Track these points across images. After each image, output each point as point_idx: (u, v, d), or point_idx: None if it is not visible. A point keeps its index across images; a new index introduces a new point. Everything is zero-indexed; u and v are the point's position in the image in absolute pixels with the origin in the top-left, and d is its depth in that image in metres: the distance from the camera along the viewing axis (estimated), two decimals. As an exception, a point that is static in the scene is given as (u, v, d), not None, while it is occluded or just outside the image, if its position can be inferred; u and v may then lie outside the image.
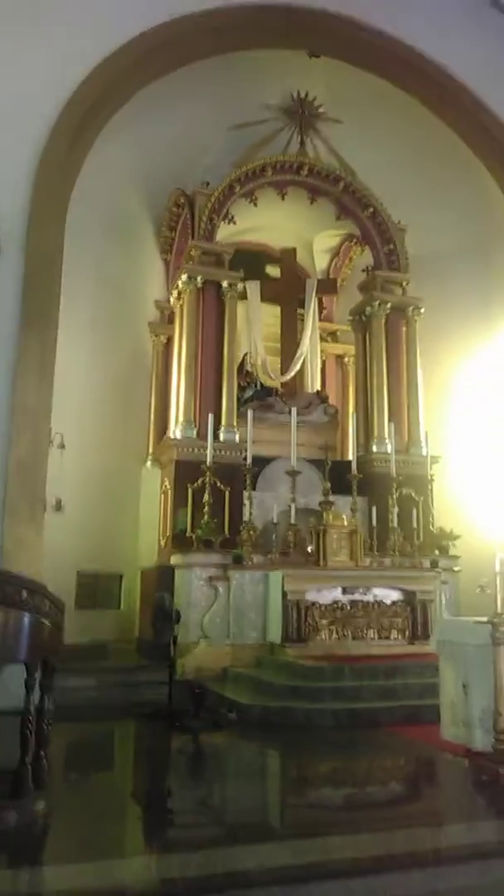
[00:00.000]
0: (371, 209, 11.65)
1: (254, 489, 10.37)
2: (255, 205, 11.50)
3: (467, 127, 11.54)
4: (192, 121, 11.79)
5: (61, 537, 10.20)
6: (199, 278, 10.69)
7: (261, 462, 10.68)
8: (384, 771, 5.59)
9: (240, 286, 10.96)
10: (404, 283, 11.71)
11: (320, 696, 7.22)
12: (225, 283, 10.84)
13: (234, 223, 11.40)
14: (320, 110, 11.84)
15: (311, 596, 9.02)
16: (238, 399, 11.56)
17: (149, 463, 11.91)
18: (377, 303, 11.41)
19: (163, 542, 10.57)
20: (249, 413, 10.22)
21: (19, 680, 4.10)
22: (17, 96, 9.13)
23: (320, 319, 13.46)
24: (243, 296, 12.04)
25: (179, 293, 10.97)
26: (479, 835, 3.97)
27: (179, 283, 10.87)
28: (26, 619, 4.01)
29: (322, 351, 13.25)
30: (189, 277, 10.67)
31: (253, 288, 12.28)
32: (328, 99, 12.14)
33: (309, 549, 9.63)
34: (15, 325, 8.89)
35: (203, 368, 10.58)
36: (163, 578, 9.66)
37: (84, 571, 10.97)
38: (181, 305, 10.90)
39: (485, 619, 5.26)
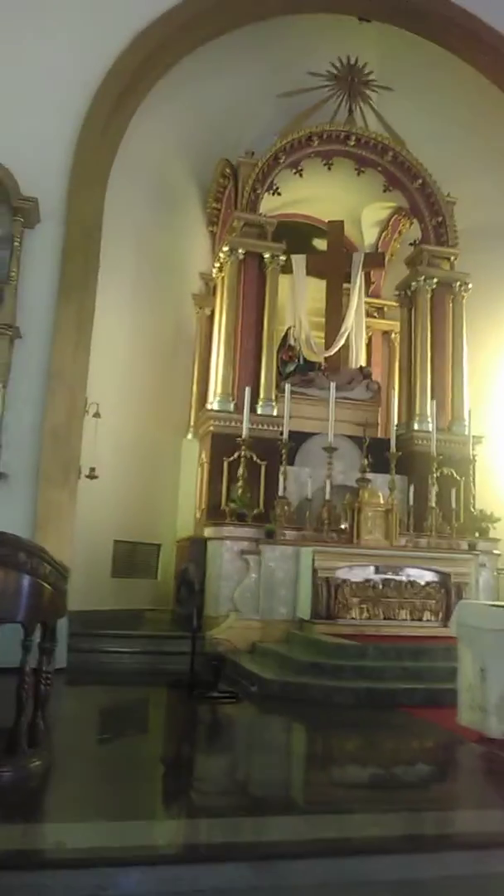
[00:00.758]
0: (420, 180, 11.32)
1: (291, 464, 10.32)
2: (301, 175, 11.30)
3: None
4: (240, 89, 11.62)
5: (97, 506, 10.31)
6: (240, 250, 10.57)
7: (300, 437, 10.58)
8: (391, 752, 5.48)
9: (282, 258, 10.78)
10: (452, 258, 11.37)
11: (341, 674, 7.14)
12: (267, 256, 10.70)
13: (279, 194, 11.24)
14: (370, 77, 11.48)
15: (342, 573, 8.94)
16: (280, 373, 11.49)
17: (190, 435, 11.91)
18: (422, 278, 11.12)
19: (198, 515, 10.58)
20: (287, 387, 10.12)
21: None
22: (57, 65, 9.17)
23: (367, 294, 13.19)
24: (288, 269, 11.89)
25: (221, 265, 10.87)
26: (475, 824, 3.85)
27: (221, 254, 10.78)
28: (25, 580, 4.02)
29: (368, 327, 13.00)
30: (231, 249, 10.56)
31: (299, 261, 12.10)
32: (379, 66, 11.82)
33: (343, 526, 9.51)
34: (53, 294, 8.98)
35: (242, 341, 10.49)
36: (195, 550, 9.67)
37: (121, 540, 11.04)
38: (222, 277, 10.79)
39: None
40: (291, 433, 10.27)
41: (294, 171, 11.22)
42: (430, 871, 3.33)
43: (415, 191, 11.39)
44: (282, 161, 10.98)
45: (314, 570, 8.76)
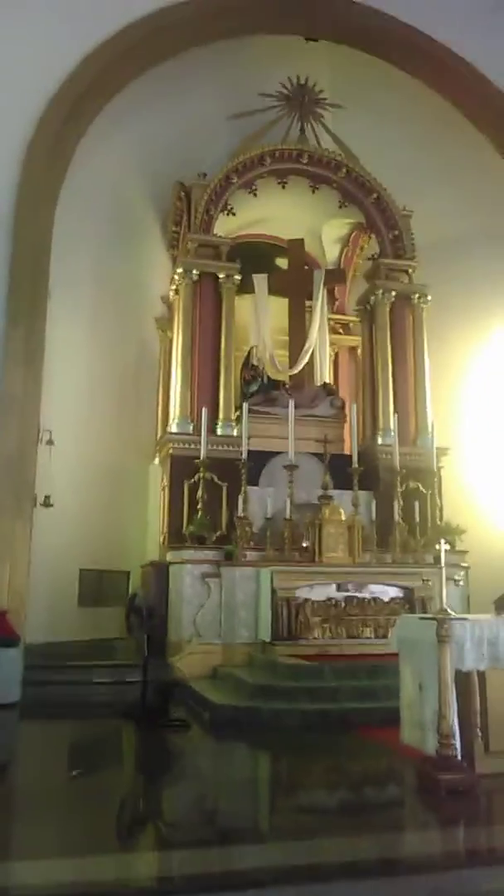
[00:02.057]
0: (375, 195, 11.32)
1: (255, 484, 10.20)
2: (255, 195, 11.29)
3: (473, 106, 11.17)
4: (195, 112, 11.69)
5: (60, 535, 10.21)
6: (194, 271, 10.54)
7: (265, 457, 10.48)
8: (326, 776, 5.33)
9: (237, 278, 10.73)
10: (410, 271, 11.33)
11: (292, 696, 6.98)
12: (222, 276, 10.67)
13: (234, 214, 11.22)
14: (321, 96, 11.53)
15: (303, 593, 8.78)
16: (244, 394, 11.42)
17: (157, 460, 11.80)
18: (381, 291, 11.07)
19: (161, 539, 10.44)
20: (245, 406, 10.02)
21: None
22: (3, 85, 9.12)
23: (332, 311, 13.18)
24: (250, 289, 11.89)
25: (176, 287, 10.83)
26: (389, 849, 3.69)
27: (175, 276, 10.74)
28: None
29: (334, 343, 12.97)
30: (185, 270, 10.53)
31: (260, 280, 12.08)
32: (331, 85, 11.87)
33: (304, 544, 9.36)
34: (1, 320, 8.90)
35: (200, 362, 10.43)
36: (150, 575, 9.54)
37: (87, 569, 10.89)
38: (178, 299, 10.75)
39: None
40: (255, 453, 10.17)
41: (248, 191, 11.21)
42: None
43: (370, 205, 11.38)
44: (234, 182, 10.98)
45: (273, 591, 8.60)
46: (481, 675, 5.11)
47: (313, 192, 11.48)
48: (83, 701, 8.00)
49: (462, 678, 5.07)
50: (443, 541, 5.16)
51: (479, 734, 5.02)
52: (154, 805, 4.74)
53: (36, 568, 10.00)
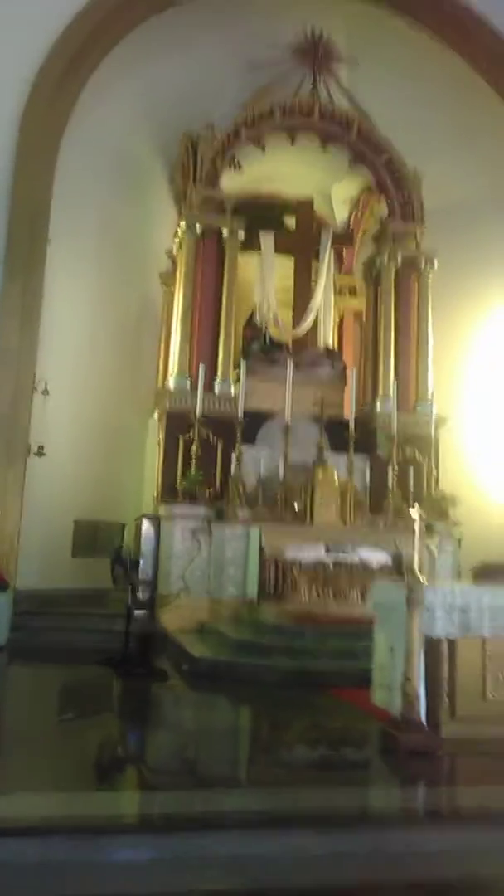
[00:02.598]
0: (386, 156, 11.10)
1: (253, 444, 10.22)
2: (264, 150, 11.08)
3: (489, 66, 10.88)
4: (205, 63, 11.42)
5: (54, 485, 10.30)
6: (197, 226, 10.41)
7: (262, 417, 10.47)
8: (291, 731, 5.43)
9: (242, 234, 10.60)
10: (418, 235, 11.15)
11: (273, 654, 7.09)
12: (226, 232, 10.53)
13: (240, 167, 11.02)
14: (335, 50, 11.22)
15: (291, 553, 8.85)
16: (245, 352, 11.36)
17: (156, 414, 11.80)
18: (387, 255, 10.92)
19: (155, 494, 10.50)
20: (243, 364, 10.01)
21: None
22: (2, 34, 8.96)
23: (339, 273, 13.00)
24: (256, 246, 11.74)
25: (179, 242, 10.72)
26: (336, 804, 3.77)
27: (178, 230, 10.62)
28: None
29: (339, 306, 12.83)
30: (188, 225, 10.41)
31: (267, 239, 11.90)
32: (347, 40, 11.56)
33: (295, 505, 9.40)
34: (-2, 272, 8.86)
35: (200, 319, 10.36)
36: (147, 529, 9.61)
37: (82, 520, 10.97)
38: (181, 254, 10.65)
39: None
40: (254, 413, 10.19)
41: (256, 145, 11.00)
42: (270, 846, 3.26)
43: (380, 166, 11.17)
44: (243, 135, 10.78)
45: (261, 550, 8.68)
46: (452, 642, 5.15)
47: (323, 149, 11.24)
48: (70, 647, 8.13)
49: (433, 644, 5.13)
50: (417, 508, 5.14)
51: (446, 699, 5.08)
52: (118, 748, 4.84)
53: (30, 517, 10.12)
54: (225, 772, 4.43)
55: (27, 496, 10.18)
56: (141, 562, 10.01)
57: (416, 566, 5.00)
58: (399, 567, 9.07)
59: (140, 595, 7.69)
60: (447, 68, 11.35)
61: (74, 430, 10.86)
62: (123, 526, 11.55)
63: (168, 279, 12.14)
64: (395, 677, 5.19)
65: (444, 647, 5.13)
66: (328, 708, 6.00)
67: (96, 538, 11.26)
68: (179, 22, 10.78)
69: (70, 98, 9.57)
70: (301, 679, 6.66)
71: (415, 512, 5.13)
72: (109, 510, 11.18)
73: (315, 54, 11.22)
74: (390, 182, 11.19)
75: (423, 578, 4.92)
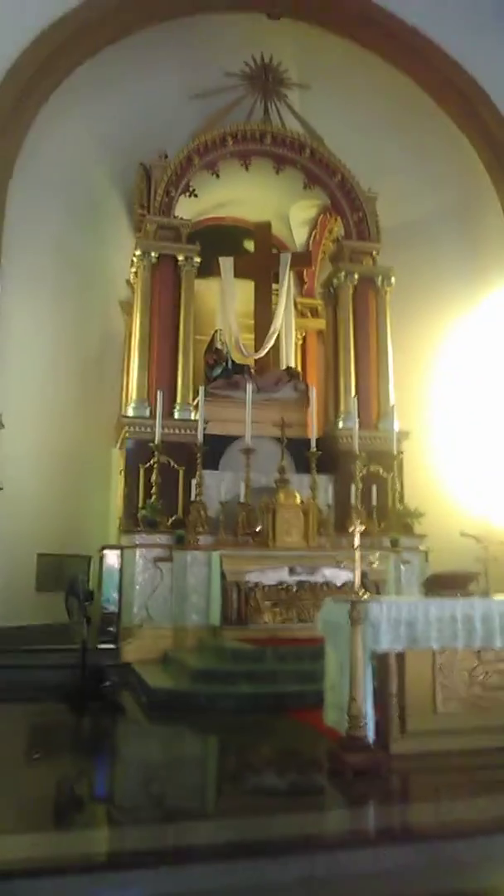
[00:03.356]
0: (339, 176, 11.19)
1: (216, 469, 10.15)
2: (218, 176, 11.15)
3: (438, 86, 11.04)
4: (158, 92, 11.50)
5: (16, 519, 10.13)
6: (153, 253, 10.41)
7: (225, 441, 10.40)
8: (239, 758, 5.29)
9: (196, 260, 10.60)
10: (374, 253, 11.20)
11: (233, 680, 6.93)
12: (181, 258, 10.53)
13: (196, 195, 11.08)
14: (286, 75, 11.36)
15: (254, 577, 8.73)
16: (207, 377, 11.33)
17: (119, 444, 11.71)
18: (343, 273, 10.95)
19: (118, 524, 10.36)
20: (201, 390, 9.96)
21: None
22: None
23: (301, 294, 13.08)
24: (216, 272, 11.78)
25: (136, 269, 10.70)
26: (270, 831, 3.63)
27: (134, 258, 10.61)
28: None
29: (301, 327, 12.86)
30: (143, 252, 10.40)
31: (226, 263, 11.94)
32: (297, 64, 11.71)
33: (257, 528, 9.28)
34: None
35: (158, 345, 10.32)
36: (108, 560, 9.47)
37: (46, 553, 10.81)
38: (138, 282, 10.63)
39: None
40: (216, 437, 10.13)
41: (210, 172, 11.07)
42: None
43: (335, 187, 11.25)
44: (196, 163, 10.85)
45: (222, 575, 8.55)
46: (400, 656, 5.05)
47: (277, 173, 11.33)
48: (28, 684, 7.90)
49: (382, 659, 5.03)
50: (358, 524, 5.05)
51: (396, 715, 4.96)
52: (60, 784, 4.67)
53: (-9, 552, 9.97)
54: (163, 805, 4.26)
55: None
56: (101, 593, 9.91)
57: (356, 582, 4.88)
58: (365, 584, 8.94)
59: (90, 628, 7.48)
60: (398, 89, 11.49)
61: (37, 462, 10.72)
62: (90, 558, 11.41)
63: (129, 308, 12.09)
64: (345, 697, 5.06)
65: (393, 662, 5.02)
66: (284, 732, 5.85)
67: (61, 572, 11.09)
68: (133, 52, 10.87)
69: (20, 131, 9.63)
70: (260, 704, 6.52)
71: (355, 528, 5.02)
72: (77, 543, 11.02)
73: (265, 79, 11.33)
74: (345, 202, 11.26)
75: (364, 594, 4.81)
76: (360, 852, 3.34)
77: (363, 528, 5.15)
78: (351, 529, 4.95)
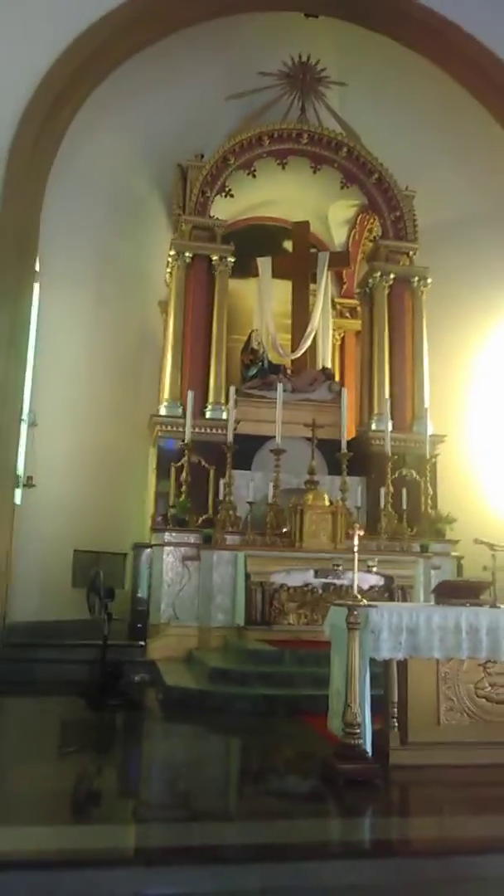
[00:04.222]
0: (376, 175, 11.08)
1: (248, 469, 10.18)
2: (254, 176, 11.17)
3: (479, 83, 10.77)
4: (197, 94, 11.55)
5: (53, 517, 10.33)
6: (187, 253, 10.48)
7: (258, 441, 10.42)
8: (239, 761, 5.29)
9: (230, 260, 10.64)
10: (411, 253, 11.06)
11: (249, 681, 6.94)
12: (216, 258, 10.58)
13: (232, 196, 11.11)
14: (323, 74, 11.28)
15: (279, 578, 8.73)
16: (243, 377, 11.37)
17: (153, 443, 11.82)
18: (379, 274, 10.83)
19: (150, 522, 10.47)
20: (232, 390, 9.98)
21: None
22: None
23: (340, 295, 13.01)
24: (254, 272, 11.80)
25: (171, 270, 10.79)
26: (242, 836, 3.63)
27: (168, 258, 10.69)
28: None
29: (341, 328, 12.78)
30: (177, 253, 10.48)
31: (264, 263, 11.95)
32: (337, 62, 11.62)
33: (284, 530, 9.26)
34: (-18, 306, 8.97)
35: (191, 345, 10.39)
36: (138, 558, 9.59)
37: (82, 550, 10.98)
38: (172, 282, 10.72)
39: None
40: (250, 437, 10.17)
41: (247, 172, 11.09)
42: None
43: (371, 186, 11.15)
44: (231, 163, 10.88)
45: (247, 575, 8.57)
46: (402, 664, 4.98)
47: (314, 172, 11.27)
48: (54, 678, 8.06)
49: (387, 668, 4.97)
50: (357, 528, 5.00)
51: (396, 725, 4.90)
52: (59, 779, 4.74)
53: (27, 549, 10.16)
54: (151, 805, 4.30)
55: (25, 528, 10.25)
56: (134, 590, 10.04)
57: (355, 587, 4.83)
58: (391, 589, 8.88)
59: (110, 624, 7.55)
60: (439, 86, 11.28)
61: (75, 461, 10.90)
62: (125, 555, 11.57)
63: (167, 308, 12.21)
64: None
65: (393, 670, 4.96)
66: (290, 736, 5.84)
67: (98, 568, 11.26)
68: (171, 54, 10.89)
69: (57, 134, 9.71)
70: (274, 706, 6.52)
71: (354, 532, 4.97)
72: (111, 540, 11.19)
73: (303, 78, 11.27)
74: (382, 201, 11.15)
75: (363, 599, 4.76)
76: (327, 864, 3.30)
77: (362, 532, 5.09)
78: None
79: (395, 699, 4.93)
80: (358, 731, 4.55)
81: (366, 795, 4.29)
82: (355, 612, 4.68)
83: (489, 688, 5.06)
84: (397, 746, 4.85)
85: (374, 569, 5.42)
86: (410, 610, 4.98)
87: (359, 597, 4.75)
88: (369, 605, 4.84)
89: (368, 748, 4.68)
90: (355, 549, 4.92)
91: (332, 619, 5.52)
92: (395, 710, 4.92)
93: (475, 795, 4.45)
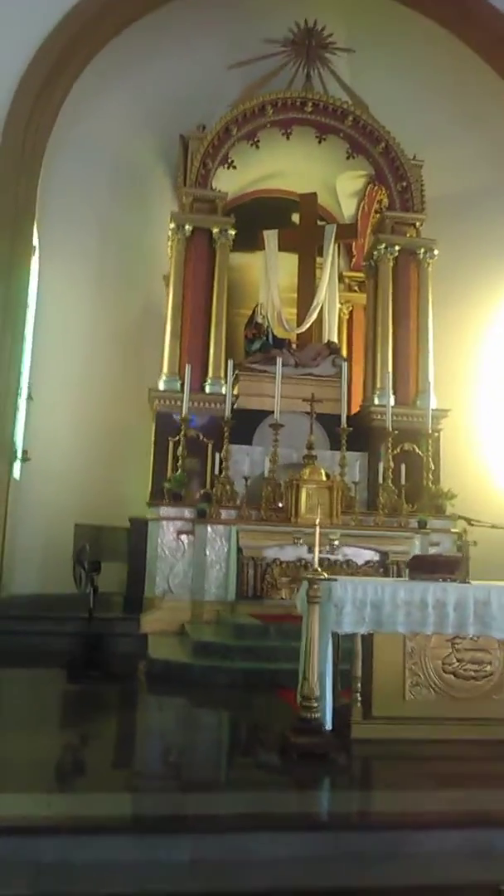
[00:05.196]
0: (383, 144, 10.82)
1: (249, 443, 10.12)
2: (258, 147, 10.99)
3: (492, 50, 10.43)
4: (203, 63, 11.36)
5: (53, 491, 10.40)
6: (187, 226, 10.37)
7: (260, 416, 10.32)
8: (202, 732, 5.26)
9: (231, 233, 10.50)
10: (417, 224, 10.81)
11: (230, 655, 6.92)
12: (216, 230, 10.45)
13: (235, 167, 10.96)
14: (330, 40, 11.01)
15: (272, 553, 8.69)
16: (246, 352, 11.27)
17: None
18: (383, 245, 10.61)
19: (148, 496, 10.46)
20: (230, 364, 9.89)
21: None
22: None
23: (350, 268, 12.76)
24: (260, 245, 11.66)
25: (171, 243, 10.69)
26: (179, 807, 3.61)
27: (168, 231, 10.59)
28: None
29: (349, 301, 12.58)
30: (177, 225, 10.37)
31: (270, 236, 11.77)
32: (345, 28, 11.32)
33: (280, 504, 9.19)
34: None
35: (191, 319, 10.31)
36: (135, 532, 9.59)
37: (83, 524, 11.01)
38: (172, 255, 10.62)
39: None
40: (251, 412, 10.13)
41: (250, 143, 10.91)
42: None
43: (378, 155, 10.90)
44: (234, 133, 10.70)
45: (239, 550, 8.53)
46: (368, 639, 4.91)
47: (319, 142, 11.06)
48: (45, 650, 8.11)
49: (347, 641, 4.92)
50: (318, 506, 4.91)
51: (359, 699, 4.83)
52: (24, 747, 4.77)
53: (27, 523, 10.26)
54: (100, 774, 4.30)
55: (25, 502, 10.35)
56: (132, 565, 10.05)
57: (315, 561, 4.76)
58: (385, 564, 8.79)
59: (96, 597, 7.59)
60: (449, 53, 10.97)
61: (77, 434, 10.93)
62: (128, 529, 11.58)
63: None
64: (310, 677, 4.97)
65: (358, 644, 4.89)
66: (262, 709, 5.82)
67: (99, 542, 11.30)
68: (173, 22, 10.72)
69: (54, 104, 9.63)
70: (253, 680, 6.49)
71: (315, 508, 4.88)
72: (113, 514, 11.20)
73: (308, 45, 11.02)
74: (388, 171, 10.92)
75: (323, 573, 4.69)
76: (258, 836, 3.26)
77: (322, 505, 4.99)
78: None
79: (359, 673, 4.85)
80: (315, 704, 4.50)
81: (318, 769, 4.24)
82: (315, 586, 4.61)
83: (456, 663, 4.98)
84: (360, 720, 4.79)
85: (336, 543, 5.29)
86: (376, 584, 4.90)
87: (319, 570, 4.67)
88: (330, 579, 4.76)
89: (329, 722, 4.64)
90: (317, 524, 4.84)
91: (302, 593, 5.45)
92: (360, 684, 4.85)
93: (433, 770, 4.37)
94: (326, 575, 4.76)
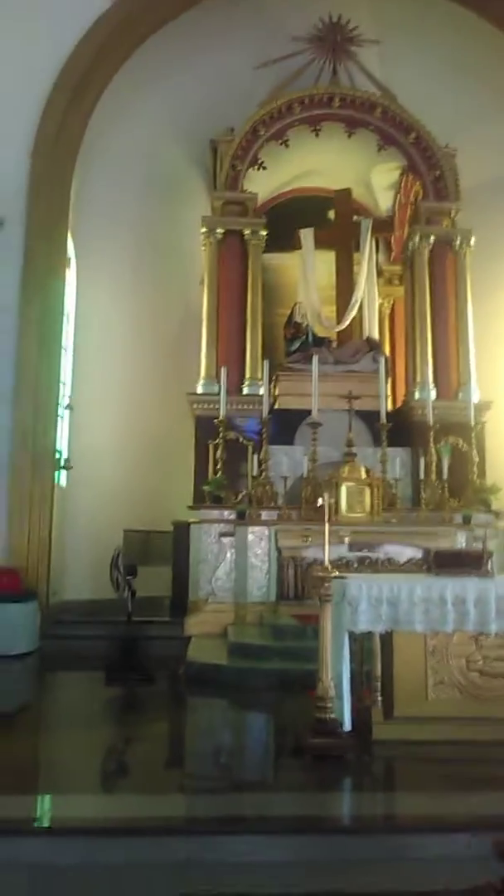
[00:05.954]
0: (414, 134, 10.64)
1: (291, 444, 10.10)
2: (287, 146, 10.93)
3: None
4: (233, 65, 11.35)
5: (101, 497, 10.57)
6: (218, 229, 10.41)
7: (302, 415, 10.25)
8: (221, 733, 5.25)
9: (263, 234, 10.50)
10: (452, 213, 10.59)
11: (266, 656, 6.92)
12: (247, 232, 10.45)
13: (265, 168, 10.94)
14: (355, 33, 10.89)
15: (312, 552, 8.61)
16: (286, 352, 11.26)
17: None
18: (418, 236, 10.43)
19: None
20: (266, 364, 9.86)
21: None
22: (9, 63, 9.29)
23: (390, 262, 12.59)
24: (296, 245, 11.62)
25: (203, 247, 10.74)
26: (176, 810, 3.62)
27: (200, 235, 10.65)
28: None
29: (389, 295, 12.41)
30: (209, 229, 10.42)
31: (306, 235, 11.74)
32: (374, 19, 11.16)
33: (319, 503, 9.10)
34: (15, 296, 9.17)
35: (226, 322, 10.34)
36: (177, 535, 9.67)
37: (132, 529, 11.16)
38: (205, 259, 10.68)
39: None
40: (292, 412, 10.09)
41: (279, 142, 10.88)
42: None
43: (409, 145, 10.74)
44: (262, 134, 10.69)
45: (278, 550, 8.51)
46: (387, 637, 4.83)
47: (349, 136, 10.95)
48: (91, 654, 8.26)
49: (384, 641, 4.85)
50: (326, 496, 4.85)
51: (379, 699, 4.76)
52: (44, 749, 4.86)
53: (76, 531, 10.45)
54: (117, 776, 4.35)
55: (72, 510, 10.55)
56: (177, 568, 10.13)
57: (326, 559, 4.71)
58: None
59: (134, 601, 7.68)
60: (479, 38, 10.71)
61: (122, 442, 11.09)
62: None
63: (206, 285, 12.20)
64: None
65: (377, 643, 4.82)
66: (289, 711, 5.77)
67: (148, 547, 11.43)
68: (199, 27, 10.76)
69: (83, 115, 9.77)
70: (287, 681, 6.42)
71: (324, 500, 4.83)
72: (159, 518, 11.31)
73: (334, 40, 10.93)
74: (421, 161, 10.74)
75: (335, 571, 4.64)
76: (249, 839, 3.24)
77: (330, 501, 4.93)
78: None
79: (378, 673, 4.78)
80: (330, 705, 4.45)
81: (332, 771, 4.19)
82: (326, 584, 4.56)
83: (481, 661, 4.85)
84: (380, 721, 4.72)
85: (346, 539, 5.21)
86: (392, 581, 4.81)
87: (330, 568, 4.63)
88: (342, 577, 4.70)
89: (347, 723, 4.58)
90: (326, 518, 4.79)
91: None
92: (380, 684, 4.78)
93: (455, 772, 4.27)
94: (338, 573, 4.69)
